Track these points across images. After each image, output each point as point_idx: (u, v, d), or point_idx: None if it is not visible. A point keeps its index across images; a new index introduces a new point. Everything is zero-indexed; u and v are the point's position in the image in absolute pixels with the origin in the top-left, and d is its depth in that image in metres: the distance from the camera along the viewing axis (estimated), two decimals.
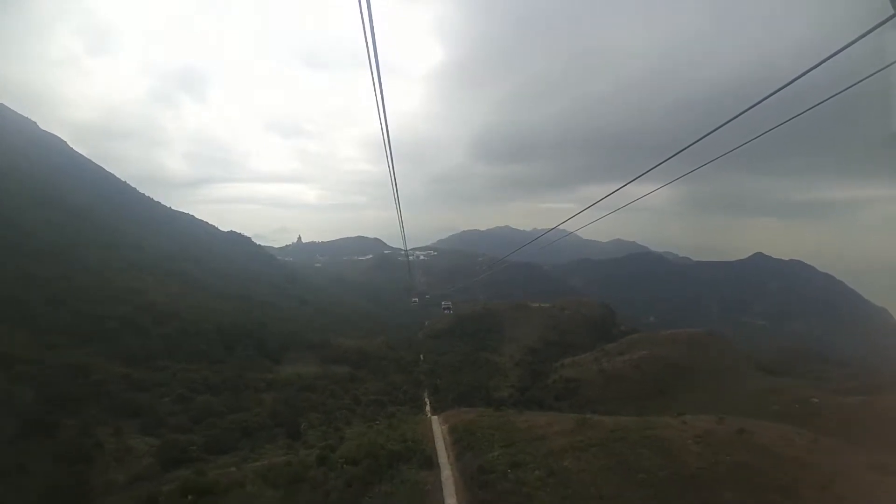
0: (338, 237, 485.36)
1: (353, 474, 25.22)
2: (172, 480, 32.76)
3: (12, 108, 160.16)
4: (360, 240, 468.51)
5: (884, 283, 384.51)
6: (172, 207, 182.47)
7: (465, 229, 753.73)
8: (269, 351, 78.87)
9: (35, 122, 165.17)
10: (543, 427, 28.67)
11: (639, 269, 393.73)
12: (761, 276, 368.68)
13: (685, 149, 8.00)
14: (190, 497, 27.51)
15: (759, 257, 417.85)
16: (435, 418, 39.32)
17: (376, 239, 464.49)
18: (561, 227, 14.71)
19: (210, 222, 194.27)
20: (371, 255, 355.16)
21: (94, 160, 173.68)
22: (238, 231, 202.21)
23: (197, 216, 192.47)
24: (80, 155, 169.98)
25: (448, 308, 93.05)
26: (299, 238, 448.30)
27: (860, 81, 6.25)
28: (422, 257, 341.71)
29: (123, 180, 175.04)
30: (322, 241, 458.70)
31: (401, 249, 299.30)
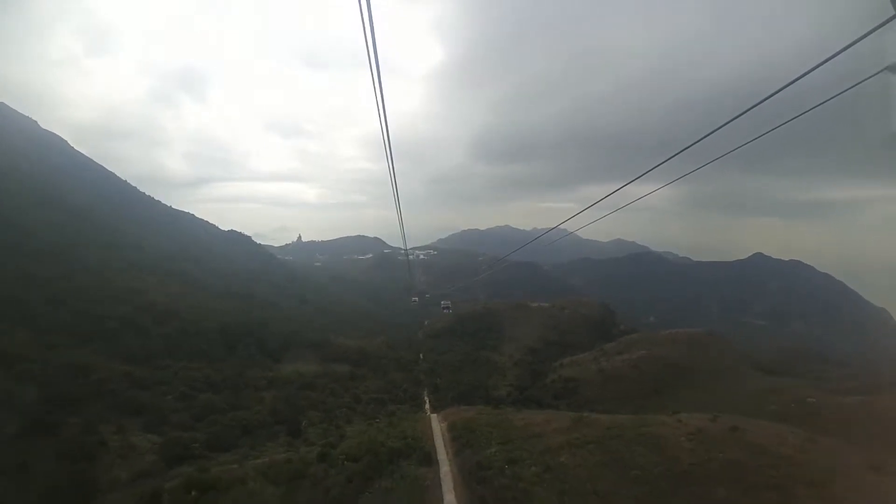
0: (338, 236, 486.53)
1: (354, 470, 25.63)
2: (175, 477, 33.17)
3: (13, 108, 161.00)
4: (361, 239, 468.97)
5: (883, 284, 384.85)
6: (173, 207, 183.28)
7: (466, 229, 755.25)
8: (269, 350, 79.26)
9: (36, 122, 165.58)
10: (540, 425, 29.11)
11: (639, 268, 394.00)
12: (761, 276, 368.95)
13: (685, 149, 7.92)
14: (193, 493, 27.95)
15: (758, 257, 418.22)
16: (434, 416, 39.75)
17: (376, 238, 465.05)
18: (561, 226, 14.70)
19: (210, 222, 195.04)
20: (371, 255, 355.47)
21: (94, 160, 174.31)
22: (238, 230, 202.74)
23: (197, 216, 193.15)
24: (81, 154, 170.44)
25: (447, 308, 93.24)
26: (299, 237, 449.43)
27: (861, 82, 6.24)
28: (422, 256, 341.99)
29: (124, 180, 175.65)
30: (322, 241, 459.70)
31: (401, 249, 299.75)
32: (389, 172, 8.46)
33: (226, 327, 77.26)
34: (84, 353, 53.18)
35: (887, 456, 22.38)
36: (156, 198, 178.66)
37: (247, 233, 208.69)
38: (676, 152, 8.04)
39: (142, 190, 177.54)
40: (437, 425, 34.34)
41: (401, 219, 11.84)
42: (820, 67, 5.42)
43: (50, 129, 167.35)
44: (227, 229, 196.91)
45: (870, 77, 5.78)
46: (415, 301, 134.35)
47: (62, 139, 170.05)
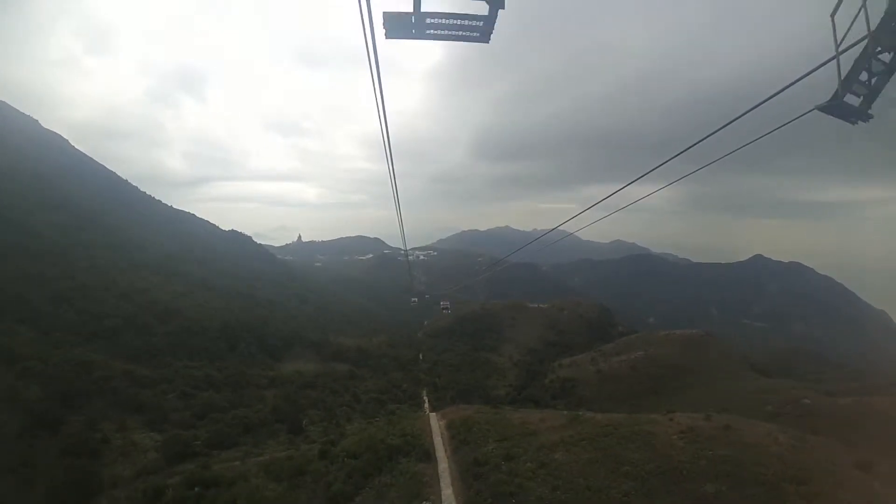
0: (338, 236, 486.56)
1: (354, 467, 26.22)
2: (178, 474, 33.79)
3: (14, 107, 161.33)
4: (361, 239, 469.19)
5: (883, 286, 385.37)
6: (174, 207, 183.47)
7: (466, 229, 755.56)
8: (270, 349, 79.78)
9: (37, 121, 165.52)
10: (536, 423, 29.70)
11: (638, 270, 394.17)
12: (761, 277, 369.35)
13: (684, 151, 7.75)
14: (196, 489, 28.54)
15: (759, 259, 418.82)
16: (433, 415, 40.24)
17: (376, 238, 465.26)
18: (561, 227, 14.68)
19: (211, 222, 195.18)
20: (371, 255, 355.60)
21: (95, 159, 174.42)
22: (238, 230, 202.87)
23: (197, 215, 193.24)
24: (83, 154, 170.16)
25: (447, 308, 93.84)
26: (299, 237, 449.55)
27: (791, 121, 6.30)
28: (422, 257, 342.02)
29: (125, 179, 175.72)
30: (322, 241, 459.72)
31: (401, 249, 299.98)
32: (389, 173, 8.10)
33: (227, 326, 77.73)
34: (86, 351, 53.54)
35: (875, 455, 22.97)
36: (156, 198, 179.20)
37: (246, 232, 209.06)
38: (675, 154, 7.89)
39: (142, 190, 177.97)
40: (436, 423, 34.87)
41: (400, 220, 11.72)
42: (821, 68, 5.28)
43: (50, 129, 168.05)
44: (227, 229, 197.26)
45: (800, 116, 6.02)
46: (414, 301, 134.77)
47: (63, 139, 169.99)
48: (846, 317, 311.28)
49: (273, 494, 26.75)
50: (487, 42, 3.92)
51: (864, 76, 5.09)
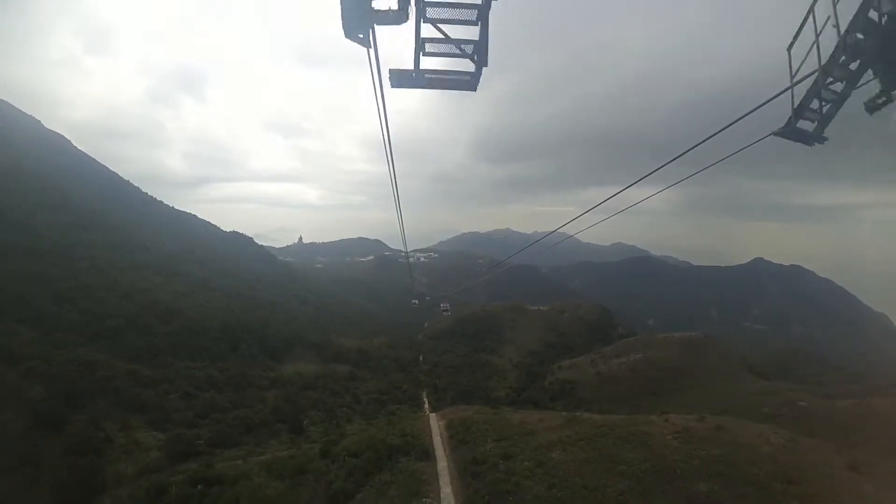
0: (339, 238, 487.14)
1: (355, 465, 26.66)
2: (181, 472, 34.29)
3: (17, 107, 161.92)
4: (361, 241, 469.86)
5: (883, 288, 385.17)
6: (175, 208, 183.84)
7: (466, 231, 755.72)
8: (271, 350, 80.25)
9: (39, 121, 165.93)
10: (535, 423, 30.16)
11: (639, 272, 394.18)
12: (761, 280, 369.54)
13: (683, 154, 7.77)
14: (199, 487, 29.03)
15: (759, 262, 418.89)
16: (433, 415, 40.68)
17: (377, 240, 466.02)
18: (562, 230, 14.56)
19: (211, 222, 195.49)
20: (372, 257, 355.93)
21: (97, 160, 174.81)
22: (239, 231, 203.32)
23: (198, 216, 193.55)
24: (85, 154, 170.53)
25: (447, 310, 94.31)
26: (300, 238, 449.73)
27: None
28: (422, 259, 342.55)
29: (127, 180, 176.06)
30: (323, 242, 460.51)
31: (401, 251, 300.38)
32: (390, 175, 8.15)
33: (228, 327, 78.19)
34: (89, 351, 53.93)
35: (868, 456, 23.41)
36: (157, 199, 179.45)
37: (247, 234, 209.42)
38: (672, 159, 7.87)
39: (144, 190, 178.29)
40: (436, 424, 35.30)
41: (401, 222, 11.78)
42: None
43: (52, 129, 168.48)
44: (229, 230, 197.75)
45: (757, 141, 6.42)
46: (415, 303, 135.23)
47: (66, 139, 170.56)
48: (846, 319, 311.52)
49: (275, 492, 27.22)
50: (474, 90, 4.53)
51: (815, 104, 5.60)
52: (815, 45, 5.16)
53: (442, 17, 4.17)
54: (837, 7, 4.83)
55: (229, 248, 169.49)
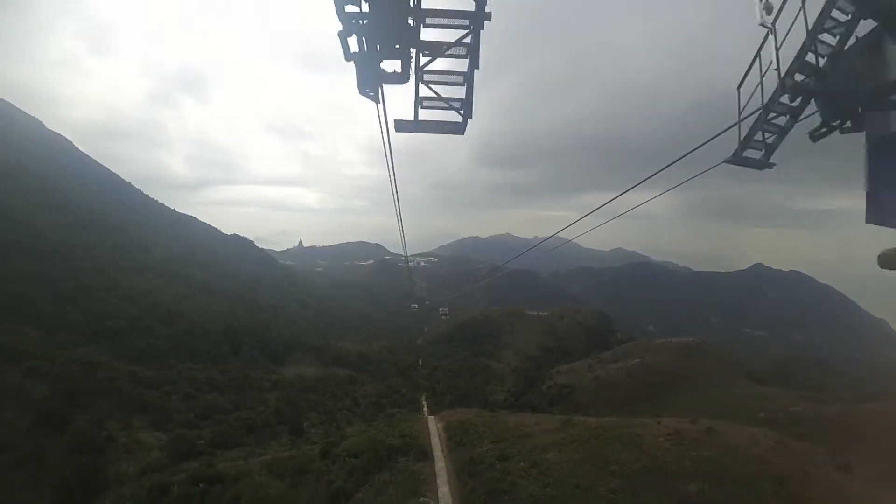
0: (339, 242, 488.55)
1: (355, 465, 27.26)
2: (182, 472, 34.81)
3: (19, 108, 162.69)
4: (362, 245, 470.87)
5: (883, 294, 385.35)
6: (176, 210, 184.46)
7: (466, 236, 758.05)
8: (272, 353, 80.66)
9: (41, 122, 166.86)
10: (531, 426, 30.79)
11: (639, 278, 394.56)
12: (761, 286, 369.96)
13: (681, 158, 7.72)
14: (201, 485, 29.58)
15: (758, 267, 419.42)
16: (431, 418, 41.28)
17: (377, 244, 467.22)
18: (562, 235, 14.85)
19: (212, 225, 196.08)
20: (372, 261, 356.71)
21: (99, 161, 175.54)
22: (240, 234, 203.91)
23: (199, 219, 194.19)
24: (87, 155, 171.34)
25: (445, 314, 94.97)
26: (300, 242, 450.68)
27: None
28: (422, 263, 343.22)
29: (128, 182, 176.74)
30: (323, 246, 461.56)
31: (402, 255, 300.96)
32: (391, 181, 8.29)
33: (230, 330, 78.66)
34: (91, 351, 54.40)
35: (857, 459, 24.03)
36: (159, 201, 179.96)
37: (248, 237, 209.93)
38: (672, 161, 7.85)
39: (145, 193, 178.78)
40: (434, 426, 35.88)
41: (401, 226, 11.91)
42: None
43: (54, 130, 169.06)
44: (230, 233, 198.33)
45: (710, 168, 7.06)
46: (414, 308, 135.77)
47: (67, 140, 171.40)
48: (846, 325, 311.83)
49: (276, 491, 27.78)
50: (462, 134, 5.53)
51: (761, 136, 6.31)
52: (759, 86, 5.88)
53: (435, 80, 5.15)
54: (780, 52, 5.51)
55: (230, 251, 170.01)
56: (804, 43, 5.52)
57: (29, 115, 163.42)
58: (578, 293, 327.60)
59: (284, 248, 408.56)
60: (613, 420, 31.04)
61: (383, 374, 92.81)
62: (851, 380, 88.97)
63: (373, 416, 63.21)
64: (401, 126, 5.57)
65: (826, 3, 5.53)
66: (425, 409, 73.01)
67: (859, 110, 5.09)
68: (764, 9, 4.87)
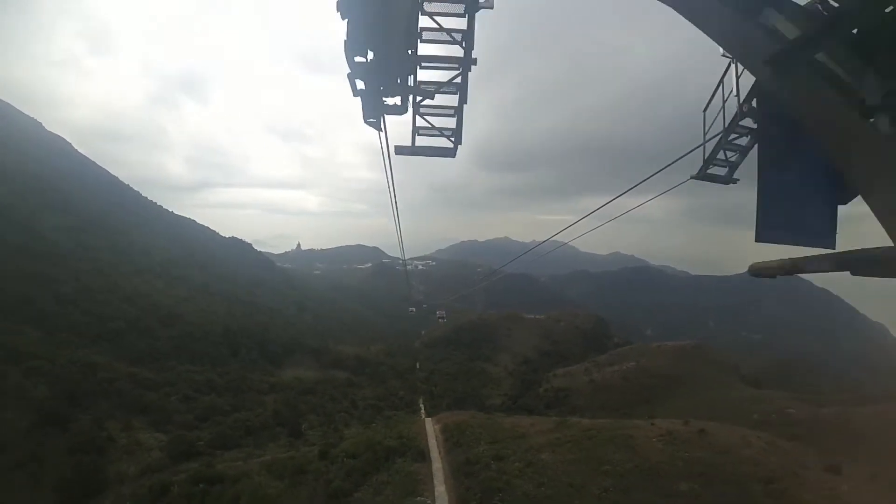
0: (337, 245, 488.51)
1: (353, 466, 27.68)
2: (182, 472, 35.15)
3: (18, 109, 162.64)
4: (360, 248, 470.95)
5: (881, 299, 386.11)
6: (175, 213, 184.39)
7: (464, 240, 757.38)
8: (270, 355, 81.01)
9: (40, 123, 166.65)
10: (526, 427, 31.28)
11: (637, 282, 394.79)
12: (758, 290, 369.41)
13: (678, 160, 7.92)
14: (201, 485, 29.96)
15: None
16: (428, 420, 41.70)
17: (375, 248, 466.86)
18: (559, 238, 14.89)
19: (211, 228, 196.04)
20: (370, 264, 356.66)
21: (97, 163, 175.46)
22: (239, 237, 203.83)
23: (198, 221, 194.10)
24: (85, 157, 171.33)
25: (442, 317, 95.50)
26: (298, 245, 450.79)
27: (668, 190, 7.81)
28: (420, 267, 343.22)
29: (127, 184, 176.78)
30: (321, 249, 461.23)
31: (399, 259, 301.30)
32: (391, 197, 8.66)
33: (229, 332, 79.02)
34: (91, 352, 54.78)
35: (847, 460, 24.55)
36: (157, 203, 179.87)
37: (246, 240, 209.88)
38: (668, 164, 8.08)
39: (144, 195, 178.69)
40: (432, 427, 36.33)
41: (399, 230, 12.09)
42: None
43: (53, 131, 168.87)
44: (228, 236, 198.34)
45: (680, 184, 7.59)
46: (412, 311, 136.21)
47: (66, 142, 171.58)
48: (844, 329, 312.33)
49: (275, 491, 28.15)
50: (453, 157, 6.36)
51: (723, 155, 6.92)
52: (721, 110, 6.47)
53: (430, 112, 6.00)
54: (740, 80, 6.07)
55: (229, 253, 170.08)
56: None
57: (28, 117, 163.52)
58: (576, 297, 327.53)
59: (283, 251, 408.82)
60: (607, 422, 31.60)
61: (381, 377, 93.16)
62: (848, 384, 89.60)
63: (371, 418, 63.57)
64: (400, 150, 6.39)
65: None
66: (422, 411, 73.38)
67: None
68: None
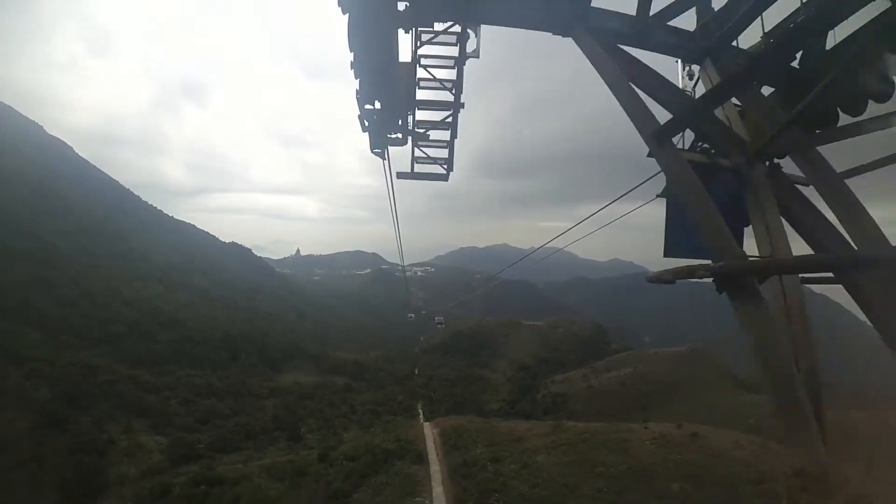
0: (336, 251, 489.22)
1: (352, 468, 28.13)
2: (182, 474, 35.60)
3: (20, 111, 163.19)
4: (359, 254, 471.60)
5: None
6: (175, 217, 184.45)
7: (464, 246, 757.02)
8: (270, 360, 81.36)
9: (42, 127, 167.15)
10: (523, 431, 31.81)
11: (636, 288, 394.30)
12: None
13: (627, 193, 8.26)
14: (202, 487, 30.40)
15: None
16: (427, 424, 42.14)
17: (374, 254, 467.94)
18: (556, 243, 15.29)
19: (210, 233, 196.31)
20: (369, 270, 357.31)
21: (98, 166, 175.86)
22: (238, 242, 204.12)
23: (197, 226, 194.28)
24: (86, 161, 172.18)
25: (441, 323, 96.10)
26: (297, 251, 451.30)
27: (637, 207, 8.26)
28: (419, 273, 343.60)
29: (128, 188, 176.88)
30: (320, 255, 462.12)
31: (398, 265, 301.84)
32: (391, 205, 9.29)
33: (228, 337, 79.43)
34: (91, 355, 55.31)
35: (837, 461, 25.02)
36: (157, 208, 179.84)
37: (245, 245, 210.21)
38: (657, 172, 8.10)
39: (144, 199, 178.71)
40: (430, 431, 36.76)
41: (398, 236, 12.51)
42: None
43: (54, 135, 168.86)
44: (228, 241, 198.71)
45: (648, 202, 8.04)
46: (411, 317, 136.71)
47: (67, 145, 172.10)
48: (843, 334, 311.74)
49: (275, 493, 28.59)
50: (446, 181, 7.67)
51: None
52: (681, 136, 7.06)
53: (426, 144, 7.19)
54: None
55: (228, 258, 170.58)
56: None
57: (29, 120, 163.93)
58: (575, 304, 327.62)
59: (282, 257, 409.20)
60: (602, 425, 32.09)
61: (380, 382, 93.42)
62: (847, 387, 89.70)
63: (369, 423, 63.89)
64: (401, 175, 7.62)
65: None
66: (421, 416, 73.68)
67: None
68: (687, 75, 5.95)
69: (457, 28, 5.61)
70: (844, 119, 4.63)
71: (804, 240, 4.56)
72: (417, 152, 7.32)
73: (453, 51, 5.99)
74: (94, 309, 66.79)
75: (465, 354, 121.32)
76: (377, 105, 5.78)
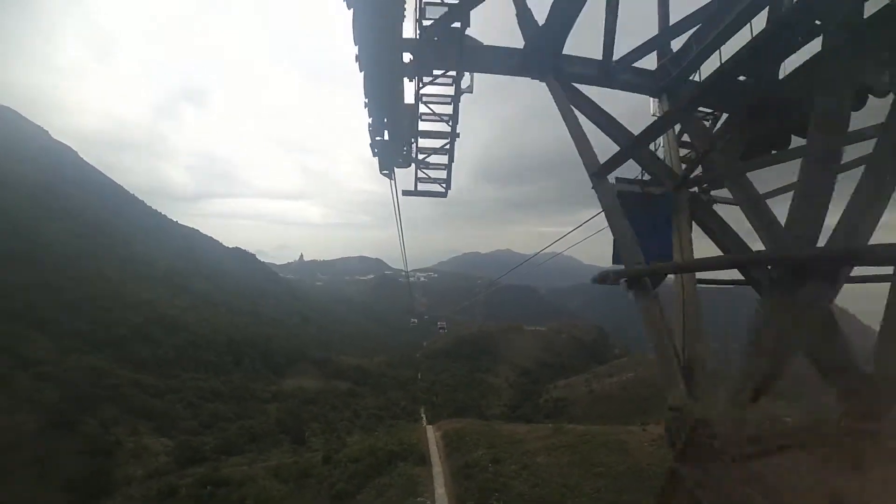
0: (339, 256, 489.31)
1: (356, 470, 28.66)
2: (188, 476, 36.08)
3: (25, 116, 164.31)
4: (362, 259, 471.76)
5: (880, 304, 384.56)
6: (179, 223, 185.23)
7: (467, 251, 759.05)
8: (273, 365, 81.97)
9: (47, 131, 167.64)
10: (523, 433, 32.25)
11: None
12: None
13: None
14: (208, 488, 30.91)
15: None
16: (429, 427, 42.57)
17: (377, 259, 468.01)
18: (555, 248, 15.78)
19: (214, 238, 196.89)
20: (372, 276, 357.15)
21: (102, 171, 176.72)
22: (242, 247, 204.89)
23: (201, 231, 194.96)
24: (91, 166, 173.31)
25: (443, 328, 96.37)
26: (301, 256, 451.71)
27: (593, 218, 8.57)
28: (422, 279, 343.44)
29: (133, 193, 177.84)
30: (323, 260, 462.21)
31: (402, 271, 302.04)
32: (395, 211, 9.64)
33: (233, 342, 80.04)
34: (97, 359, 55.95)
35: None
36: (162, 213, 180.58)
37: (249, 250, 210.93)
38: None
39: (148, 204, 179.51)
40: (432, 434, 37.18)
41: (402, 242, 12.63)
42: None
43: (59, 140, 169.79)
44: (232, 247, 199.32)
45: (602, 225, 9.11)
46: (414, 322, 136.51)
47: (72, 150, 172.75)
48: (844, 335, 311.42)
49: (280, 494, 29.11)
50: (445, 197, 8.87)
51: None
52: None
53: (427, 167, 8.31)
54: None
55: (232, 264, 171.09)
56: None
57: (34, 124, 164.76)
58: (578, 308, 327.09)
59: (285, 262, 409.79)
60: (600, 428, 32.48)
61: (383, 387, 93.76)
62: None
63: (373, 426, 64.26)
64: (406, 193, 8.80)
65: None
66: (424, 419, 73.97)
67: None
68: (660, 109, 6.56)
69: (453, 72, 6.46)
70: (797, 141, 5.23)
71: (721, 251, 5.48)
72: (420, 174, 8.48)
73: (450, 90, 6.84)
74: (99, 313, 67.31)
75: (467, 359, 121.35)
76: (386, 136, 6.85)
